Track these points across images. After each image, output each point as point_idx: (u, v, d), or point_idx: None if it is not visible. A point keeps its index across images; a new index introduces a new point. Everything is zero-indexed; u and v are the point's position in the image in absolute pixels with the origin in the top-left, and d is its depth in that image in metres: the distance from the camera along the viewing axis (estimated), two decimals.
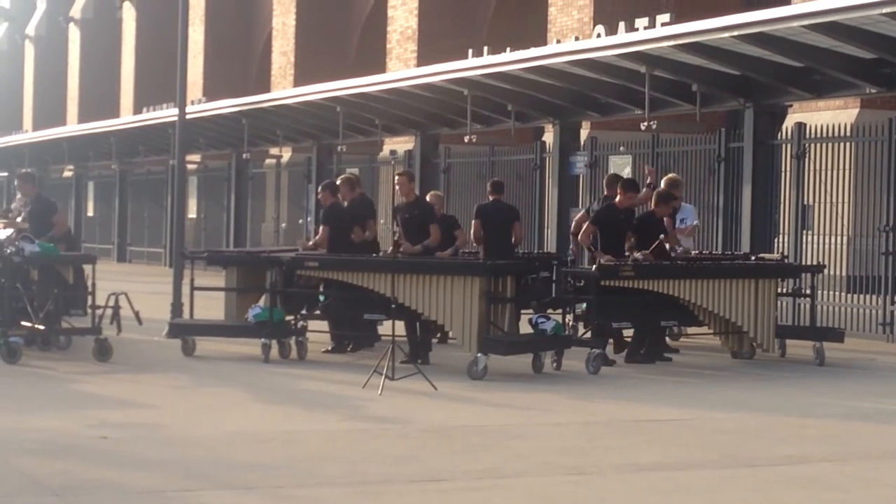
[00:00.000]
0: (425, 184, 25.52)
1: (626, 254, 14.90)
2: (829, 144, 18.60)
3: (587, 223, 15.28)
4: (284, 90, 33.83)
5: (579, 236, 15.37)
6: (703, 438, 10.26)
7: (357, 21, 38.00)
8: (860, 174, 18.33)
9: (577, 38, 24.27)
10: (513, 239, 16.18)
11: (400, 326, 13.71)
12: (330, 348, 15.46)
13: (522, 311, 15.62)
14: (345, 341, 15.51)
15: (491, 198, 16.25)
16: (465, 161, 25.61)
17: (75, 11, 54.26)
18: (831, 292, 18.31)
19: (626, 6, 25.00)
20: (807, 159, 18.79)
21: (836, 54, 17.37)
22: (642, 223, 15.25)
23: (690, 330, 16.12)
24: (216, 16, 42.85)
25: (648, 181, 16.34)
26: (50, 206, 16.67)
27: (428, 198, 16.48)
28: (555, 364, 14.04)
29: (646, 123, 19.86)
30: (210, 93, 38.91)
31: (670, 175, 17.03)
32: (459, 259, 15.71)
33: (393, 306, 13.20)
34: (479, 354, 13.28)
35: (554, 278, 18.14)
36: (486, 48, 24.84)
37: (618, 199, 15.14)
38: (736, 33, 17.06)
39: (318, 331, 15.46)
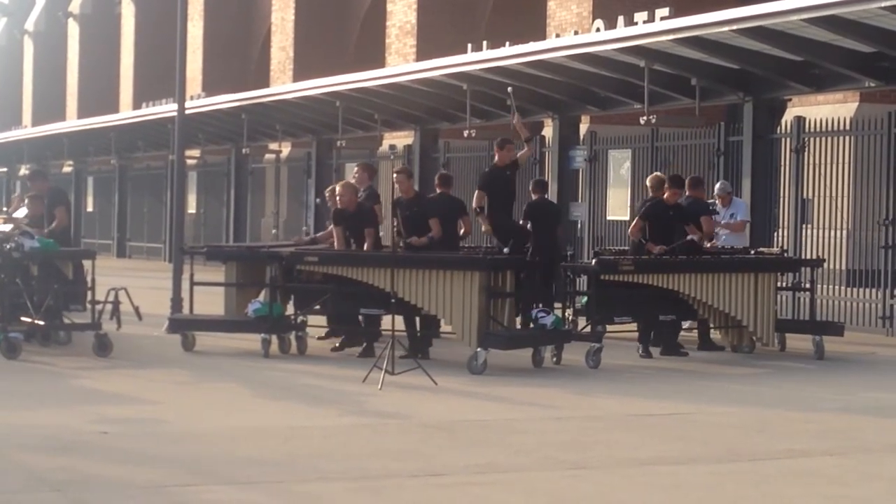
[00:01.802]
0: (425, 178, 25.50)
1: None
2: (829, 138, 18.59)
3: (636, 218, 15.74)
4: (283, 85, 33.80)
5: (629, 231, 15.83)
6: (703, 432, 10.26)
7: (356, 16, 37.97)
8: (859, 168, 18.33)
9: (576, 33, 24.25)
10: (461, 231, 15.85)
11: (399, 321, 13.70)
12: (337, 344, 15.34)
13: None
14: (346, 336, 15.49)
15: (438, 191, 16.07)
16: (464, 156, 25.59)
17: (74, 7, 54.19)
18: (831, 286, 18.33)
19: (625, 0, 24.98)
20: (806, 153, 18.79)
21: (835, 48, 17.36)
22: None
23: (689, 324, 16.14)
24: (215, 11, 42.80)
25: (526, 137, 17.04)
26: (55, 200, 16.60)
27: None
28: (555, 358, 14.06)
29: (645, 118, 19.85)
30: (209, 88, 38.90)
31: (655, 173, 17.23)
32: (459, 254, 15.65)
33: (392, 301, 13.20)
34: (479, 349, 13.29)
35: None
36: (485, 43, 24.82)
37: (666, 195, 15.53)
38: (735, 27, 17.06)
39: (323, 326, 15.48)
